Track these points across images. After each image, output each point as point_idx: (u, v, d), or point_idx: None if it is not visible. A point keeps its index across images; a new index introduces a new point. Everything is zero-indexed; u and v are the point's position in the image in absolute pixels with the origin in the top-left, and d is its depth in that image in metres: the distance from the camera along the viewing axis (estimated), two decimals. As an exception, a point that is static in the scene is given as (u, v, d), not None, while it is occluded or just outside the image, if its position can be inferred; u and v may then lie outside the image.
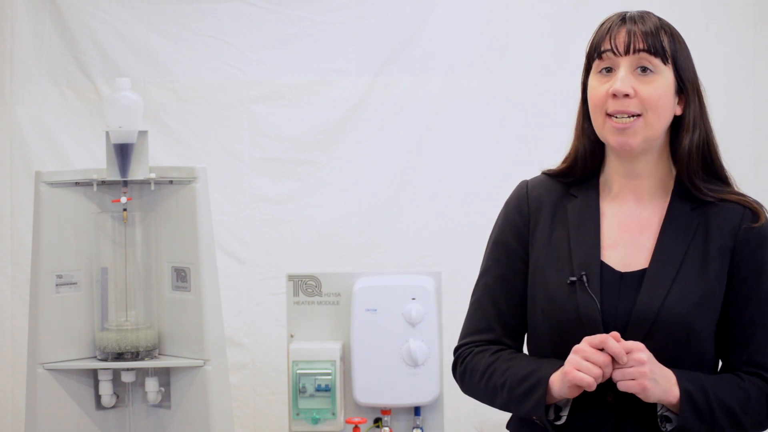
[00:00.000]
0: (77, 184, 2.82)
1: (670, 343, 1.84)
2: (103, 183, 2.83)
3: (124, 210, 2.83)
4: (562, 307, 1.88)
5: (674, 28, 1.93)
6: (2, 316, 3.55)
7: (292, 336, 2.73)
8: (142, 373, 2.86)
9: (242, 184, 3.57)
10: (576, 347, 1.82)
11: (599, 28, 1.93)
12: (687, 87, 1.90)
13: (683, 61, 1.90)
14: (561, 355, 1.85)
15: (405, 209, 3.56)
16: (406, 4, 3.56)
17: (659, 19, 1.92)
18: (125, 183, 2.81)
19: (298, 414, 2.67)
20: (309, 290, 2.73)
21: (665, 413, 1.84)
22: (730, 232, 1.89)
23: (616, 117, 1.87)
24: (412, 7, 3.56)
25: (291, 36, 3.58)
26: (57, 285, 2.80)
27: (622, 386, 1.79)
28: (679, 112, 1.92)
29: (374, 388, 2.66)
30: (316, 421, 2.67)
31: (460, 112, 3.56)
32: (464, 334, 2.04)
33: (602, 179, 1.98)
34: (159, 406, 2.88)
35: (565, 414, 1.89)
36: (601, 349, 1.79)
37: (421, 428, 2.69)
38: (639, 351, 1.79)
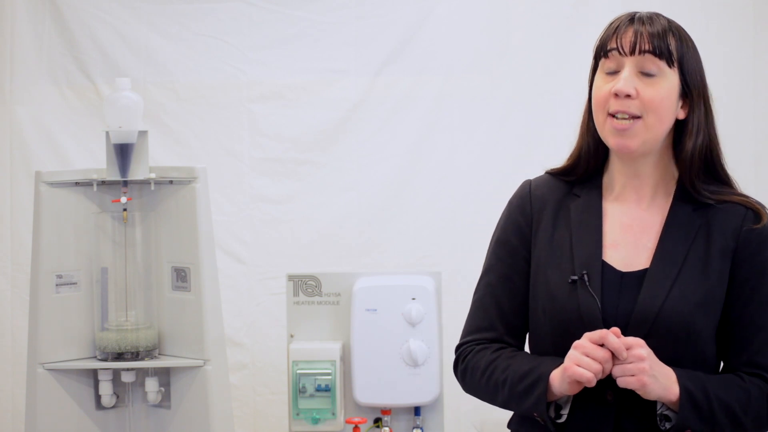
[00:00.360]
0: (77, 184, 2.82)
1: (671, 343, 1.84)
2: (103, 183, 2.83)
3: (124, 210, 2.83)
4: (563, 306, 1.89)
5: (684, 31, 1.91)
6: (2, 316, 3.55)
7: (292, 336, 2.73)
8: (142, 373, 2.86)
9: (242, 184, 3.57)
10: (576, 343, 1.82)
11: (608, 27, 1.92)
12: (692, 91, 1.90)
13: (690, 65, 1.90)
14: (562, 354, 1.85)
15: (405, 209, 3.56)
16: (406, 4, 3.56)
17: (669, 21, 1.91)
18: (125, 183, 2.81)
19: (298, 414, 2.67)
20: (309, 290, 2.73)
21: (665, 412, 1.84)
22: (732, 232, 1.89)
23: (617, 117, 1.87)
24: (412, 7, 3.56)
25: (291, 36, 3.58)
26: (57, 285, 2.80)
27: (622, 382, 1.79)
28: (682, 116, 1.91)
29: (374, 388, 2.66)
30: (316, 421, 2.67)
31: (460, 112, 3.56)
32: (466, 332, 2.04)
33: (605, 179, 1.98)
34: (159, 406, 2.88)
35: (565, 412, 1.89)
36: (602, 345, 1.79)
37: (421, 428, 2.69)
38: (639, 347, 1.79)
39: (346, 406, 2.71)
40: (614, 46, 1.88)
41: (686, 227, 1.90)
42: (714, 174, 1.94)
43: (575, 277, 1.88)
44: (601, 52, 1.91)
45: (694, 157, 1.90)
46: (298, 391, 2.67)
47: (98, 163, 2.93)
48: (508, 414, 2.04)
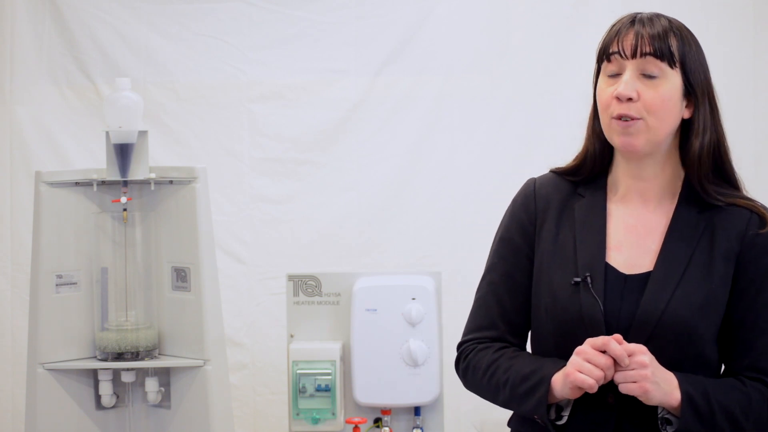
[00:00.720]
0: (77, 184, 2.82)
1: (673, 347, 1.84)
2: (103, 183, 2.83)
3: (124, 210, 2.83)
4: (565, 307, 1.88)
5: (686, 31, 1.91)
6: (2, 316, 3.55)
7: (292, 336, 2.73)
8: (142, 373, 2.86)
9: (242, 184, 3.57)
10: (578, 349, 1.82)
11: (610, 30, 1.92)
12: (696, 91, 1.89)
13: (693, 65, 1.89)
14: (564, 355, 1.85)
15: (405, 209, 3.56)
16: (406, 4, 3.56)
17: (670, 21, 1.90)
18: (125, 183, 2.81)
19: (298, 414, 2.67)
20: (309, 290, 2.73)
21: (666, 416, 1.84)
22: (737, 236, 1.88)
23: (621, 118, 1.87)
24: (412, 7, 3.56)
25: (291, 36, 3.58)
26: (57, 285, 2.80)
27: (624, 388, 1.79)
28: (687, 115, 1.91)
29: (374, 388, 2.66)
30: (316, 421, 2.67)
31: (460, 112, 3.56)
32: (468, 330, 2.04)
33: (610, 180, 1.98)
34: (159, 406, 2.88)
35: (566, 414, 1.89)
36: (604, 351, 1.79)
37: (421, 428, 2.69)
38: (641, 354, 1.78)
39: (346, 406, 2.71)
40: (616, 49, 1.88)
41: (690, 230, 1.89)
42: (722, 173, 1.93)
43: (578, 279, 1.88)
44: (604, 56, 1.91)
45: (701, 156, 1.90)
46: (298, 391, 2.67)
47: (98, 163, 2.93)
48: (507, 414, 2.03)
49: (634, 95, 1.85)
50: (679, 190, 1.93)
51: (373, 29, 3.56)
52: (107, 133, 2.80)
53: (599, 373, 1.78)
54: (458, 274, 3.40)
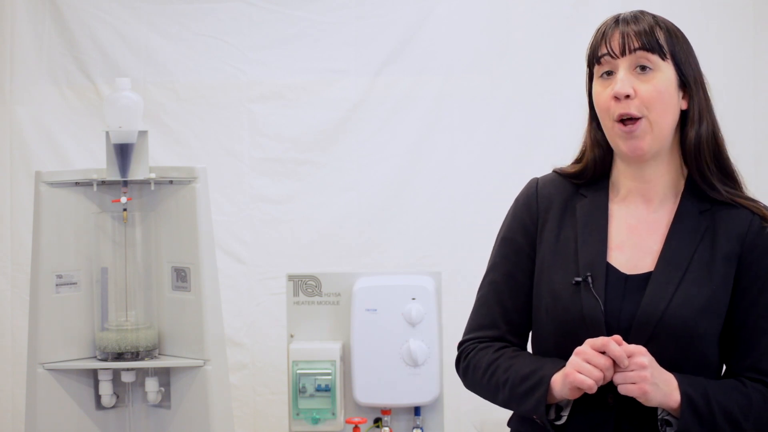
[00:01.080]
0: (77, 184, 2.82)
1: (673, 347, 1.84)
2: (103, 183, 2.83)
3: (124, 210, 2.83)
4: (566, 307, 1.88)
5: (671, 24, 1.92)
6: (2, 316, 3.55)
7: (292, 336, 2.73)
8: (142, 373, 2.86)
9: (242, 184, 3.57)
10: (578, 349, 1.82)
11: (595, 34, 1.93)
12: (689, 80, 1.90)
13: (683, 55, 1.90)
14: (564, 355, 1.85)
15: (405, 209, 3.56)
16: (406, 4, 3.56)
17: (654, 16, 1.91)
18: (125, 183, 2.81)
19: (298, 414, 2.67)
20: (309, 290, 2.73)
21: (666, 417, 1.84)
22: (738, 237, 1.88)
23: (624, 122, 1.87)
24: (412, 7, 3.56)
25: (291, 36, 3.58)
26: (57, 285, 2.80)
27: (623, 389, 1.79)
28: (684, 106, 1.91)
29: (374, 388, 2.66)
30: (316, 421, 2.67)
31: (460, 112, 3.56)
32: (469, 329, 2.04)
33: (611, 181, 1.98)
34: (159, 406, 2.88)
35: (565, 414, 1.88)
36: (603, 352, 1.79)
37: (421, 428, 2.69)
38: (640, 355, 1.78)
39: (346, 406, 2.71)
40: (605, 51, 1.89)
41: (692, 230, 1.89)
42: (721, 165, 1.93)
43: (579, 279, 1.88)
44: (594, 59, 1.92)
45: (700, 145, 1.90)
46: (298, 391, 2.67)
47: (98, 163, 2.93)
48: (507, 414, 2.03)
49: (630, 92, 1.86)
50: (681, 190, 1.93)
51: (373, 29, 3.56)
52: (107, 133, 2.80)
53: (598, 374, 1.78)
54: (458, 274, 3.40)
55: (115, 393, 2.86)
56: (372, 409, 2.70)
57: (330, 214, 3.57)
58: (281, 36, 3.58)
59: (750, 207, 1.91)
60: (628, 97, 1.86)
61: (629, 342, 1.80)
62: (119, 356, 2.79)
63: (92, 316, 2.84)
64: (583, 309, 1.86)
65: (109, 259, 2.84)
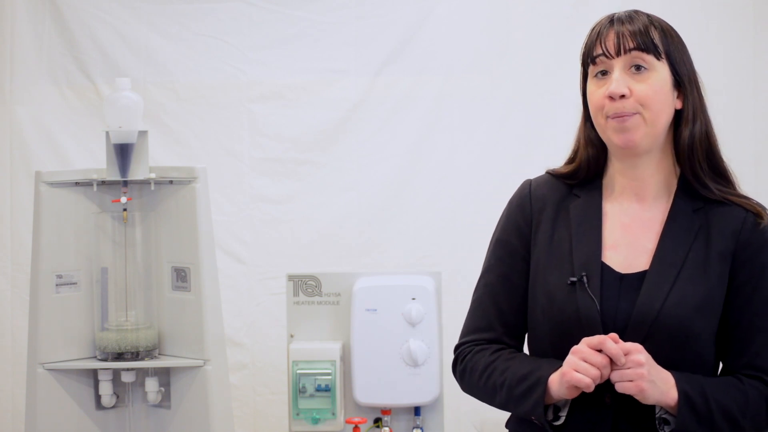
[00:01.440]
0: (77, 184, 2.82)
1: (669, 346, 1.84)
2: (103, 183, 2.83)
3: (124, 210, 2.83)
4: (562, 307, 1.88)
5: (666, 23, 1.92)
6: (2, 316, 3.55)
7: (292, 336, 2.73)
8: (142, 373, 2.86)
9: (242, 184, 3.57)
10: (574, 348, 1.82)
11: (590, 33, 1.94)
12: (684, 80, 1.90)
13: (677, 55, 1.90)
14: (561, 355, 1.85)
15: (405, 209, 3.56)
16: (406, 4, 3.56)
17: (648, 16, 1.92)
18: (125, 183, 2.81)
19: (298, 414, 2.67)
20: (309, 290, 2.73)
21: (663, 415, 1.84)
22: (732, 234, 1.89)
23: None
24: (412, 7, 3.56)
25: (291, 36, 3.58)
26: (57, 285, 2.80)
27: (620, 387, 1.79)
28: (679, 105, 1.92)
29: (374, 388, 2.66)
30: (316, 421, 2.67)
31: (460, 112, 3.56)
32: (465, 332, 2.04)
33: (605, 181, 1.98)
34: (159, 406, 2.88)
35: (563, 414, 1.89)
36: (600, 351, 1.79)
37: (421, 428, 2.69)
38: (637, 353, 1.78)
39: (346, 406, 2.71)
40: (600, 51, 1.89)
41: (686, 229, 1.90)
42: (713, 165, 1.93)
43: (574, 279, 1.88)
44: (588, 59, 1.92)
45: (693, 144, 1.90)
46: (298, 391, 2.67)
47: (98, 163, 2.93)
48: (507, 414, 2.04)
49: (626, 92, 1.86)
50: (674, 188, 1.94)
51: (373, 29, 3.56)
52: (107, 133, 2.80)
53: (596, 372, 1.78)
54: (458, 274, 3.40)
55: (115, 393, 2.86)
56: (372, 409, 2.70)
57: (330, 214, 3.57)
58: (281, 36, 3.58)
59: (743, 204, 1.91)
60: (623, 96, 1.86)
61: (625, 341, 1.80)
62: (119, 356, 2.79)
63: (92, 316, 2.84)
64: (579, 309, 1.86)
65: (109, 259, 2.84)
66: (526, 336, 2.02)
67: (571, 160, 2.01)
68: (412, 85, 3.57)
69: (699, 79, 1.93)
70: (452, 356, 2.07)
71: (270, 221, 3.57)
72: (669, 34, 1.91)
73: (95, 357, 2.83)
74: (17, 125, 3.56)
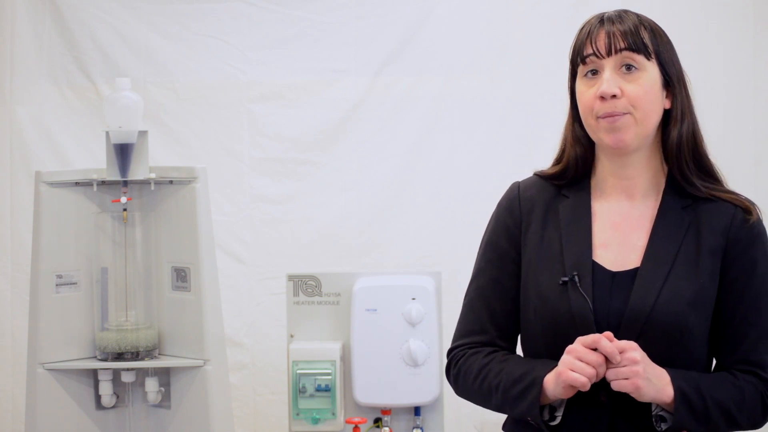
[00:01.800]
0: (77, 184, 2.82)
1: (663, 343, 1.84)
2: (103, 183, 2.83)
3: (124, 210, 2.83)
4: (555, 307, 1.88)
5: (654, 23, 1.93)
6: (2, 316, 3.55)
7: (292, 336, 2.73)
8: (142, 373, 2.86)
9: (242, 184, 3.57)
10: (569, 347, 1.82)
11: (579, 33, 1.93)
12: (673, 80, 1.91)
13: (666, 55, 1.91)
14: (555, 356, 1.85)
15: (405, 209, 3.56)
16: (406, 4, 3.56)
17: (638, 15, 1.92)
18: (125, 183, 2.81)
19: (298, 414, 2.67)
20: (309, 290, 2.73)
21: (660, 413, 1.84)
22: (722, 230, 1.89)
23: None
24: (412, 7, 3.56)
25: (291, 36, 3.58)
26: (57, 285, 2.80)
27: (616, 386, 1.79)
28: (668, 105, 1.92)
29: (374, 388, 2.66)
30: (316, 421, 2.67)
31: (460, 112, 3.56)
32: (457, 336, 2.04)
33: (593, 180, 1.98)
34: (159, 406, 2.88)
35: (559, 414, 1.88)
36: (595, 349, 1.79)
37: (421, 428, 2.69)
38: (632, 350, 1.79)
39: (346, 406, 2.71)
40: (590, 51, 1.89)
41: (676, 225, 1.90)
42: (700, 164, 1.93)
43: (566, 278, 1.88)
44: (578, 59, 1.92)
45: (681, 144, 1.91)
46: (298, 391, 2.67)
47: (98, 163, 2.93)
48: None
49: (617, 92, 1.86)
50: (663, 186, 1.94)
51: (373, 29, 3.56)
52: (107, 133, 2.80)
53: (591, 371, 1.78)
54: (458, 274, 3.37)
55: (115, 393, 2.86)
56: (372, 409, 2.70)
57: (330, 214, 3.57)
58: (281, 36, 3.58)
59: (732, 200, 1.91)
60: (614, 96, 1.86)
61: (619, 339, 1.80)
62: (119, 356, 2.79)
63: (92, 316, 2.84)
64: (572, 308, 1.86)
65: (109, 259, 2.84)
66: (519, 337, 2.01)
67: (558, 160, 2.02)
68: (412, 85, 3.57)
69: (687, 79, 1.94)
70: (448, 358, 2.07)
71: (270, 221, 3.57)
72: (658, 33, 1.91)
73: (95, 357, 2.83)
74: (17, 125, 3.56)
